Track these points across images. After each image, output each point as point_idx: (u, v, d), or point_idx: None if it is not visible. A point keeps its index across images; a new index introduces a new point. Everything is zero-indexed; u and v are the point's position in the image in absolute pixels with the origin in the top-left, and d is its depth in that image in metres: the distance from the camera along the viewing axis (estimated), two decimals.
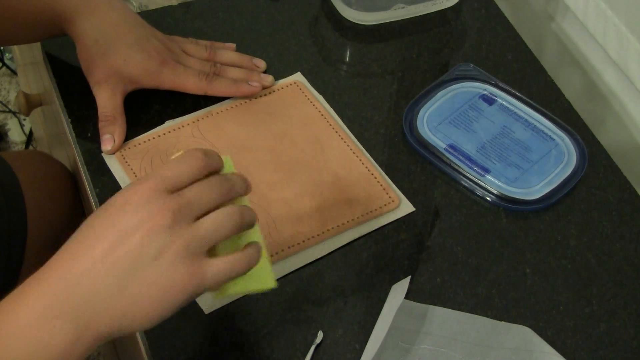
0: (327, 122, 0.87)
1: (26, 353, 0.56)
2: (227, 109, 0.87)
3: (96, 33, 0.81)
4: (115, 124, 0.81)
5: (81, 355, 0.57)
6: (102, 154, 0.81)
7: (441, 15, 1.00)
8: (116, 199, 0.59)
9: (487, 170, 0.84)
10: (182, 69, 0.84)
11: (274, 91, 0.89)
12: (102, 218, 0.59)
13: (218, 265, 0.58)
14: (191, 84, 0.85)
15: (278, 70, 0.91)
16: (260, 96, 0.88)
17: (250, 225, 0.62)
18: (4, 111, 1.86)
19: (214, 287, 0.59)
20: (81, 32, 0.82)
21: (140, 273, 0.57)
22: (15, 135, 1.84)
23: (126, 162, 0.81)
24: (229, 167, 0.64)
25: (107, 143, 0.81)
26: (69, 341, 0.56)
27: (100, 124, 0.82)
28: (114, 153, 0.81)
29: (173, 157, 0.62)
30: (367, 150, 0.85)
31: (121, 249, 0.57)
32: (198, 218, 0.59)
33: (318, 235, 0.78)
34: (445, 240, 0.80)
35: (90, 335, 0.57)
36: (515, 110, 0.90)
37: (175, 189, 0.59)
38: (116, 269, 0.56)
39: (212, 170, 0.62)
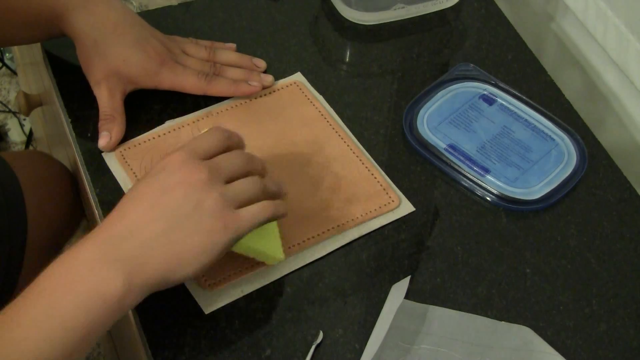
0: (327, 122, 0.87)
1: (81, 303, 0.60)
2: (227, 109, 0.87)
3: (95, 34, 0.81)
4: (114, 123, 0.81)
5: (131, 305, 0.63)
6: (102, 154, 0.81)
7: (441, 15, 1.00)
8: (156, 166, 0.67)
9: (487, 170, 0.84)
10: (182, 69, 0.84)
11: (274, 91, 0.89)
12: (145, 182, 0.66)
13: (251, 209, 0.67)
14: (190, 84, 0.85)
15: (278, 70, 0.91)
16: (260, 96, 0.88)
17: (274, 194, 0.71)
18: (4, 111, 1.87)
19: (248, 230, 0.67)
20: (80, 32, 0.82)
21: (183, 222, 0.64)
22: (15, 135, 1.84)
23: (126, 162, 0.81)
24: None
25: (103, 139, 0.81)
26: (119, 289, 0.61)
27: (99, 123, 0.82)
28: (109, 150, 0.81)
29: (201, 132, 0.71)
30: (367, 150, 0.85)
31: (164, 203, 0.64)
32: (228, 182, 0.67)
33: (318, 235, 0.78)
34: (445, 240, 0.80)
35: (139, 284, 0.62)
36: (515, 110, 0.90)
37: (205, 157, 0.68)
38: (160, 220, 0.63)
39: (235, 145, 0.72)
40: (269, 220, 0.69)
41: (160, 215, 0.64)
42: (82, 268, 0.61)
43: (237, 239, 0.66)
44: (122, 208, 0.65)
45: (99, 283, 0.61)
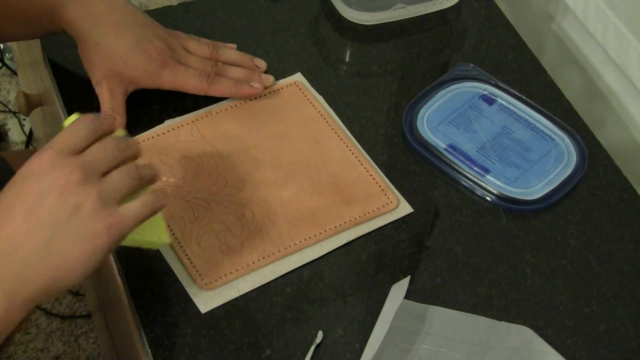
0: (327, 122, 0.87)
1: None
2: (226, 109, 0.87)
3: (96, 34, 0.81)
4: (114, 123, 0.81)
5: (15, 321, 0.59)
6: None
7: (441, 15, 1.00)
8: (23, 170, 0.61)
9: (487, 170, 0.84)
10: (183, 70, 0.84)
11: (273, 91, 0.89)
12: (14, 189, 0.61)
13: (134, 206, 0.62)
14: (192, 85, 0.85)
15: (278, 70, 0.91)
16: (260, 96, 0.88)
17: (151, 179, 0.66)
18: (4, 111, 1.86)
19: (132, 228, 0.63)
20: (81, 32, 0.81)
21: (63, 230, 0.59)
22: (15, 135, 1.84)
23: None
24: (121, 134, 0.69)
25: None
26: (0, 312, 0.58)
27: None
28: None
29: (65, 124, 0.65)
30: (367, 150, 0.85)
31: (40, 211, 0.59)
32: (103, 175, 0.62)
33: (316, 235, 0.78)
34: (445, 240, 0.80)
35: (22, 301, 0.59)
36: (515, 110, 0.90)
37: (76, 152, 0.62)
38: (38, 231, 0.59)
39: (104, 132, 0.65)
40: (151, 215, 0.65)
41: (36, 226, 0.59)
42: None
43: (122, 238, 0.62)
44: None
45: None
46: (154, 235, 0.69)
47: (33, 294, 0.59)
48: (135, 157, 0.67)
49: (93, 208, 0.60)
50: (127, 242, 0.66)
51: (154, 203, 0.64)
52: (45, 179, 0.60)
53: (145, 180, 0.66)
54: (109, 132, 0.66)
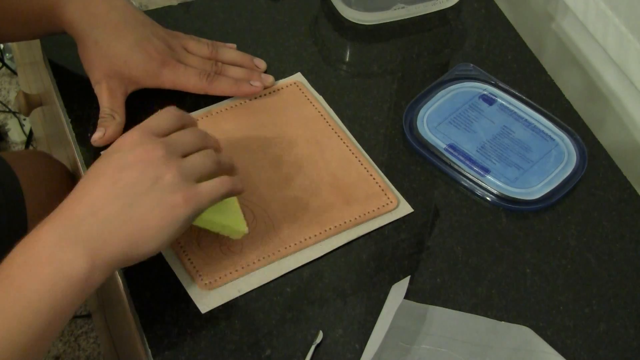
0: (327, 122, 0.87)
1: (46, 286, 0.61)
2: (226, 109, 0.87)
3: (96, 34, 0.81)
4: (112, 122, 0.81)
5: (96, 283, 0.63)
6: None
7: (441, 15, 1.00)
8: (111, 147, 0.68)
9: (487, 170, 0.84)
10: (183, 69, 0.84)
11: (273, 91, 0.89)
12: (102, 161, 0.67)
13: (211, 183, 0.68)
14: (192, 84, 0.85)
15: (278, 70, 0.91)
16: (260, 96, 0.88)
17: (229, 168, 0.72)
18: (4, 111, 1.87)
19: (208, 204, 0.67)
20: (80, 32, 0.82)
21: (143, 198, 0.64)
22: (15, 135, 1.84)
23: None
24: None
25: (97, 134, 0.80)
26: (83, 270, 0.62)
27: (98, 121, 0.82)
28: (102, 145, 0.80)
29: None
30: (366, 150, 0.85)
31: (123, 180, 0.64)
32: (183, 157, 0.68)
33: (316, 235, 0.78)
34: (445, 240, 0.80)
35: (103, 262, 0.63)
36: (515, 110, 0.90)
37: (160, 134, 0.69)
38: (120, 197, 0.64)
39: (187, 123, 0.73)
40: (228, 195, 0.69)
41: (119, 193, 0.64)
42: (44, 252, 0.62)
43: (198, 212, 0.67)
44: (80, 188, 0.65)
45: (63, 266, 0.61)
46: (231, 220, 0.72)
47: (113, 256, 0.63)
48: (216, 149, 0.72)
49: (172, 181, 0.65)
50: (203, 224, 0.71)
51: (230, 184, 0.69)
52: (130, 153, 0.66)
53: (224, 167, 0.71)
54: (191, 125, 0.73)
